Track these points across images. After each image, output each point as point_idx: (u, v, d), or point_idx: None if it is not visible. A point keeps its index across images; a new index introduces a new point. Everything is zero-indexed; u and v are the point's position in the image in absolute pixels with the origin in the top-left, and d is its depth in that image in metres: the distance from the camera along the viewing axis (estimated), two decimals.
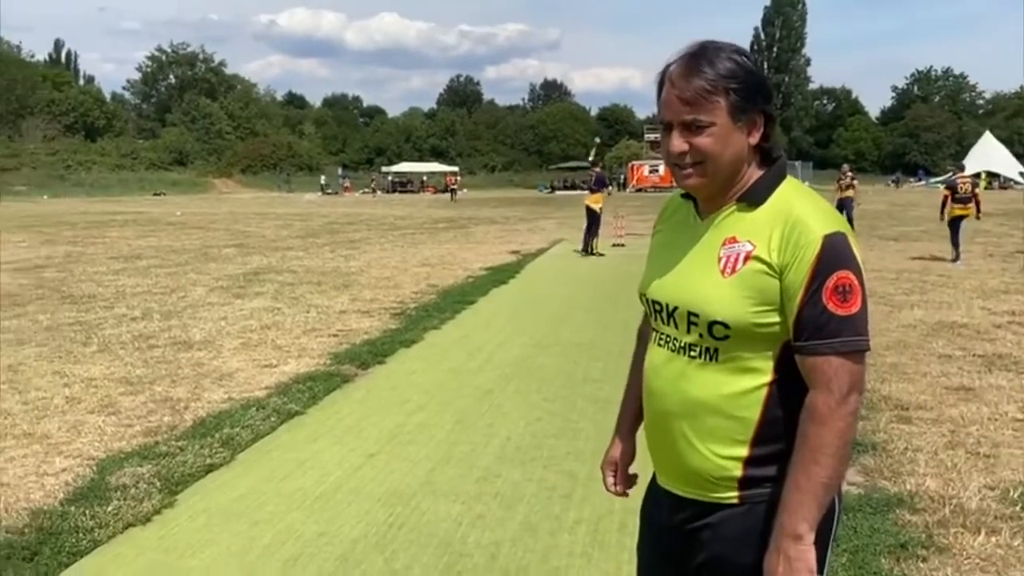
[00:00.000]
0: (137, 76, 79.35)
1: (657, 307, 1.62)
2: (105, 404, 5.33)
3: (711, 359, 1.51)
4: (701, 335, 1.51)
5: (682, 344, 1.55)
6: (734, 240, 1.50)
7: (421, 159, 74.03)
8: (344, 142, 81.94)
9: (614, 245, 16.91)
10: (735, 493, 1.51)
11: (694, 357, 1.53)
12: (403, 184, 65.27)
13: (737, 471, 1.50)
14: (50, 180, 52.83)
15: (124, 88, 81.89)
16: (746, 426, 1.49)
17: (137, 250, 16.10)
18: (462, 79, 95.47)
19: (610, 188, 22.48)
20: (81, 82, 77.16)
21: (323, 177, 62.06)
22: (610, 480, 1.88)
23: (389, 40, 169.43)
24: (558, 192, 58.78)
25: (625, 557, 3.09)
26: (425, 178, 66.06)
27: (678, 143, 1.51)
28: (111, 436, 4.68)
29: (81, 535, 3.34)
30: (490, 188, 67.43)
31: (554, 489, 3.92)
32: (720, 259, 1.50)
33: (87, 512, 3.55)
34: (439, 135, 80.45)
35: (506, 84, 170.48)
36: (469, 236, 20.64)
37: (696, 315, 1.51)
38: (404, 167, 68.40)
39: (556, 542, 3.34)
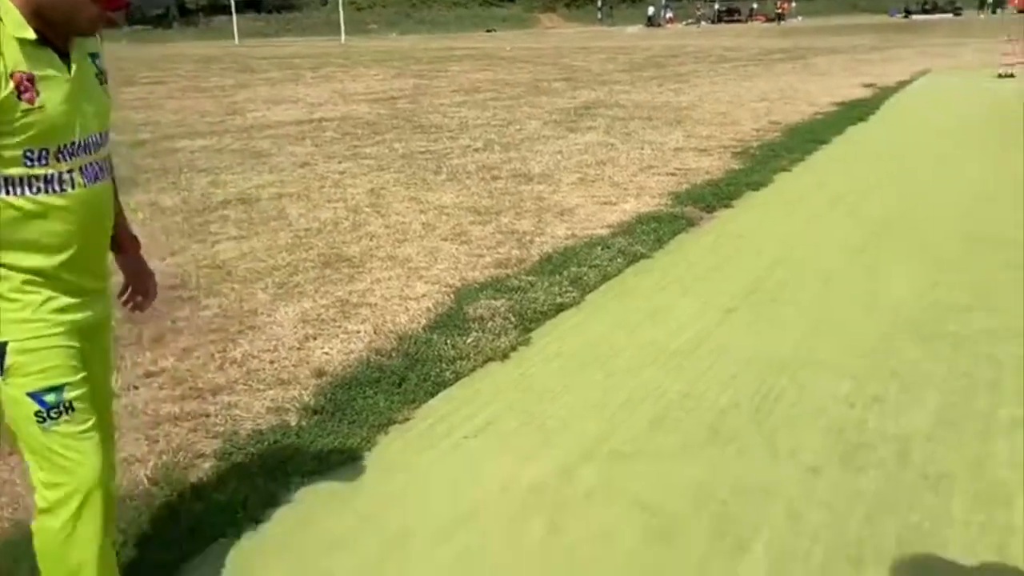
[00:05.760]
0: None
1: None
2: (457, 232, 5.42)
3: None
4: None
5: None
6: None
7: None
8: None
9: (1000, 76, 14.08)
10: None
11: None
12: (729, 13, 60.71)
13: None
14: (397, 17, 56.90)
15: None
16: None
17: (475, 83, 16.60)
18: None
19: None
20: None
21: (650, 8, 59.45)
22: None
23: None
24: (915, 16, 50.84)
25: None
26: (755, 6, 60.70)
27: None
28: (465, 265, 4.72)
29: (444, 365, 3.33)
30: (829, 14, 60.32)
31: (971, 376, 3.17)
32: None
33: (448, 342, 3.55)
34: None
35: None
36: (810, 67, 18.48)
37: None
38: None
39: (989, 449, 2.66)
